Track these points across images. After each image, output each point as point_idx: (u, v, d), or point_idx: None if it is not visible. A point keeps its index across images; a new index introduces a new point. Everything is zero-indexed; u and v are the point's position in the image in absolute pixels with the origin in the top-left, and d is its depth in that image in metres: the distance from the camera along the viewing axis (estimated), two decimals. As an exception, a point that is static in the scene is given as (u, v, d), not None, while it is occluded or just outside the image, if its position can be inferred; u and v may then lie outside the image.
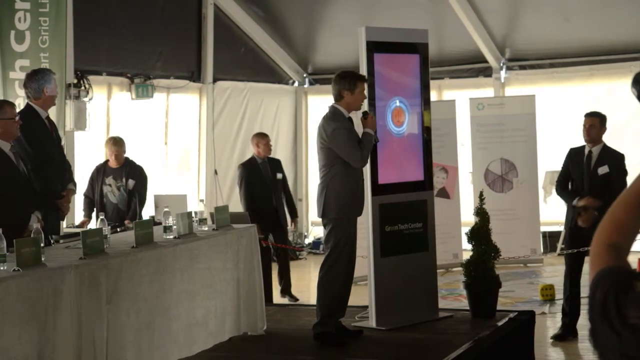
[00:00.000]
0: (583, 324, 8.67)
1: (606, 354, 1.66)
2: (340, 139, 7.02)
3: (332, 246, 7.08)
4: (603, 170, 8.16)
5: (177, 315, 6.21)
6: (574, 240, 8.18)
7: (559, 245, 8.34)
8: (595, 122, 8.25)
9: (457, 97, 13.17)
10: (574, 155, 8.38)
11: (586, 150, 8.27)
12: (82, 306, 5.16)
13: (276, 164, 10.45)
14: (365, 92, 7.23)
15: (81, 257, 5.39)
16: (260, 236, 10.37)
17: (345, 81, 7.13)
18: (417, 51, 7.95)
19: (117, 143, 9.70)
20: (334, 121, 7.10)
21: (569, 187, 8.35)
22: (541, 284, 10.49)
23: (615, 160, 8.23)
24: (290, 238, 11.81)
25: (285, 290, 10.54)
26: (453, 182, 12.49)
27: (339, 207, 7.07)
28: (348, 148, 7.00)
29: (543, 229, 12.78)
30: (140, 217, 9.31)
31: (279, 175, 10.34)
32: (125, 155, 9.74)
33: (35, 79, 7.40)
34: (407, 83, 7.91)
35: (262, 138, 10.40)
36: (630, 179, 1.97)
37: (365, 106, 7.43)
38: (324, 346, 6.98)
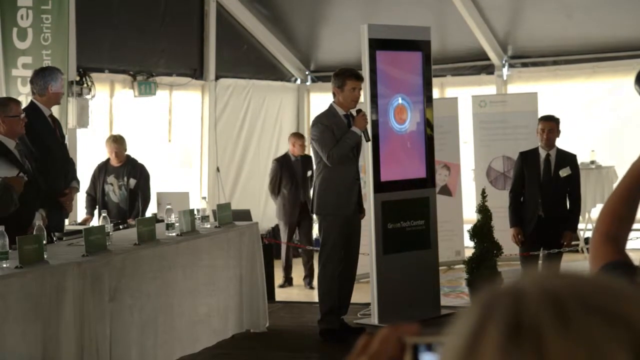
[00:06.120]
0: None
1: None
2: (315, 134, 7.13)
3: (322, 243, 7.13)
4: (565, 172, 8.12)
5: (180, 312, 6.22)
6: (532, 244, 8.13)
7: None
8: (554, 127, 8.20)
9: (460, 94, 13.14)
10: (528, 159, 8.23)
11: (543, 154, 8.16)
12: (85, 303, 5.17)
13: (309, 162, 10.81)
14: (359, 90, 7.20)
15: (84, 255, 5.40)
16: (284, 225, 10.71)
17: (336, 79, 7.21)
18: (419, 49, 7.94)
19: (117, 141, 9.69)
20: (318, 117, 7.24)
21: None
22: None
23: (573, 161, 8.23)
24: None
25: (308, 276, 10.96)
26: (455, 180, 12.48)
27: (323, 204, 7.11)
28: (320, 144, 7.06)
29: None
30: (144, 215, 9.29)
31: (310, 173, 10.62)
32: (127, 153, 9.73)
33: (42, 75, 7.41)
34: (410, 80, 7.91)
35: (298, 138, 11.18)
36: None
37: (367, 104, 7.42)
38: (327, 343, 6.99)
